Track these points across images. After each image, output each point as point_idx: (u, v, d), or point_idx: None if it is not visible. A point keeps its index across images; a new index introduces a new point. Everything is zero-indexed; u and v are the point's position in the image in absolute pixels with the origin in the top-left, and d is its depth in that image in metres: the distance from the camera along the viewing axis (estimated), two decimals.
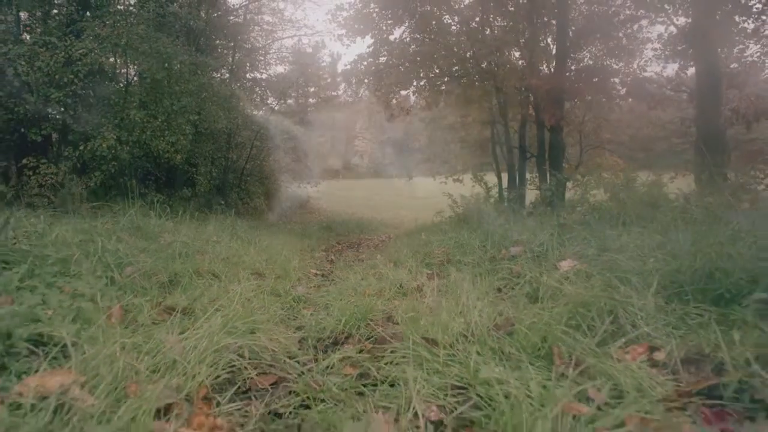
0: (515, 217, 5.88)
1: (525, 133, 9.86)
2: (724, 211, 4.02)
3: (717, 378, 1.38)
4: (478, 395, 1.35)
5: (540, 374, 1.43)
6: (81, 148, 8.01)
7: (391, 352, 1.70)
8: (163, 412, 1.22)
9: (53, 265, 2.38)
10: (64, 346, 1.43)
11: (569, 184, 8.30)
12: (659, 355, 1.58)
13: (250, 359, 1.66)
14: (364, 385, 1.51)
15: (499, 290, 2.62)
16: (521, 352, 1.59)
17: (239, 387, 1.51)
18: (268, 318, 2.15)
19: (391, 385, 1.48)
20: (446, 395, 1.38)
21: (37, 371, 1.28)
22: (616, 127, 9.58)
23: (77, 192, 7.43)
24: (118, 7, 9.64)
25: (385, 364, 1.65)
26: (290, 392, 1.48)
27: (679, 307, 1.96)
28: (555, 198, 7.42)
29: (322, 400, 1.41)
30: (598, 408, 1.26)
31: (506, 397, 1.30)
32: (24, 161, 7.96)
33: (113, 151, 8.07)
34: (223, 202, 10.06)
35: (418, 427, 1.22)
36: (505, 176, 10.12)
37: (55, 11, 9.32)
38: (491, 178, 10.15)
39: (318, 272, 4.02)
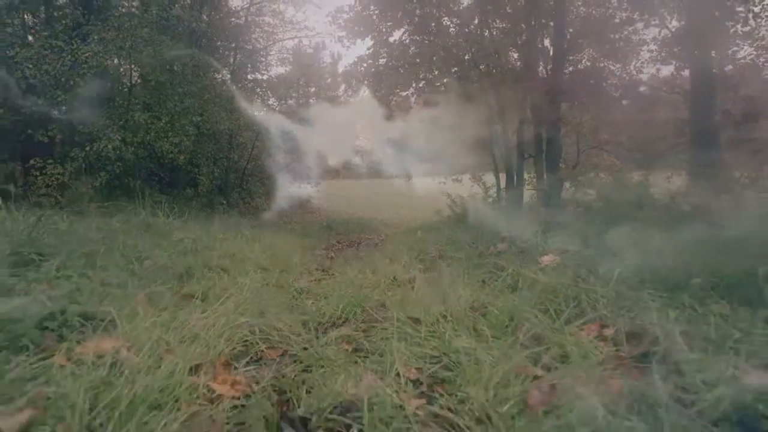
0: (509, 216, 6.19)
1: (523, 133, 10.16)
2: (704, 210, 4.35)
3: (649, 347, 1.69)
4: (450, 361, 1.67)
5: (503, 345, 1.75)
6: (87, 148, 8.34)
7: (382, 329, 2.02)
8: (194, 370, 1.53)
9: (81, 258, 2.71)
10: (109, 321, 1.75)
11: (566, 184, 8.62)
12: (608, 331, 1.90)
13: (260, 336, 1.98)
14: (358, 356, 1.82)
15: (483, 282, 2.93)
16: (491, 329, 1.91)
17: (252, 357, 1.82)
18: (274, 304, 2.47)
19: (380, 356, 1.79)
20: (425, 362, 1.70)
21: (91, 339, 1.60)
22: (614, 128, 9.86)
23: (84, 192, 7.77)
24: (121, 10, 10.00)
25: (376, 340, 1.97)
26: (295, 361, 1.80)
27: (636, 293, 2.27)
28: (551, 197, 7.73)
29: (322, 366, 1.72)
30: (548, 369, 1.58)
31: (475, 363, 1.61)
32: (31, 162, 8.30)
33: (118, 152, 8.42)
34: (224, 202, 10.39)
35: (399, 384, 1.53)
36: (503, 176, 10.42)
37: (59, 13, 9.67)
38: (490, 179, 10.48)
39: (319, 268, 4.34)
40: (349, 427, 1.26)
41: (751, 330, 1.70)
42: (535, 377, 1.49)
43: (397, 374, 1.58)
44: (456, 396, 1.45)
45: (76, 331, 1.71)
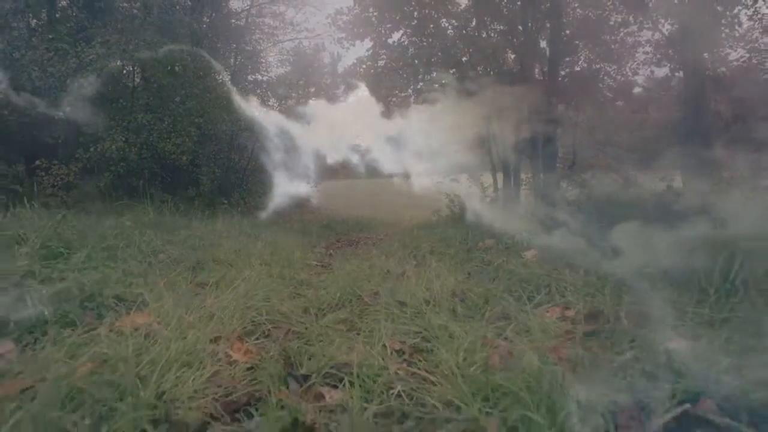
0: (504, 214, 6.52)
1: (520, 134, 10.47)
2: (687, 209, 4.70)
3: (600, 325, 2.03)
4: (429, 335, 2.00)
5: (475, 323, 2.08)
6: (91, 149, 8.70)
7: (374, 312, 2.35)
8: (213, 341, 1.87)
9: (102, 251, 3.05)
10: (139, 302, 2.09)
11: (563, 184, 8.96)
12: (569, 313, 2.23)
13: (267, 317, 2.31)
14: (352, 333, 2.16)
15: (469, 274, 3.26)
16: (467, 311, 2.24)
17: (260, 334, 2.16)
18: (278, 293, 2.80)
19: (371, 332, 2.13)
20: (408, 336, 2.03)
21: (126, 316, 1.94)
22: (610, 129, 10.18)
23: (90, 192, 8.12)
24: (124, 13, 10.37)
25: (368, 321, 2.30)
26: (298, 337, 2.13)
27: (601, 281, 2.61)
28: (546, 196, 8.07)
29: (321, 341, 2.06)
30: (510, 341, 1.91)
31: (449, 336, 1.95)
32: (37, 162, 8.67)
33: (122, 153, 8.77)
34: (225, 202, 10.72)
35: (385, 352, 1.86)
36: (501, 176, 10.74)
37: (61, 14, 10.05)
38: (488, 178, 10.82)
39: (318, 263, 4.67)
40: (341, 379, 1.59)
41: (685, 309, 2.03)
42: (498, 346, 1.82)
43: (384, 346, 1.91)
44: (432, 361, 1.78)
45: (111, 310, 2.05)
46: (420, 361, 1.81)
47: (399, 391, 1.55)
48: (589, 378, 1.44)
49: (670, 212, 4.58)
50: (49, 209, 6.26)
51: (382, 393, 1.55)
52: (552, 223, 5.04)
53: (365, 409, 1.46)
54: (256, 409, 1.47)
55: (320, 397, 1.56)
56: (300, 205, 13.85)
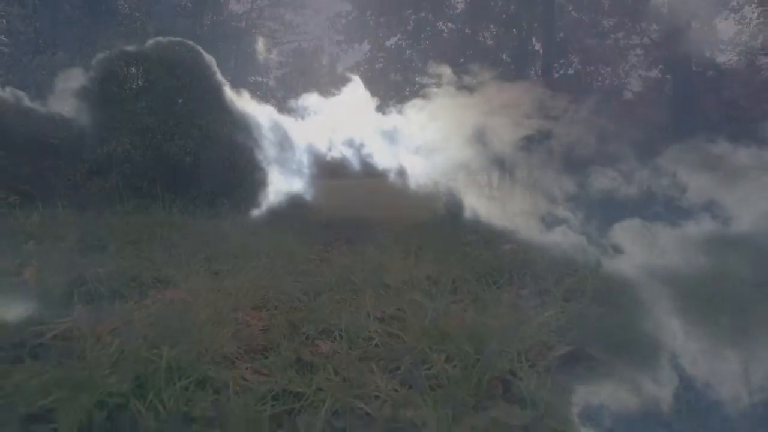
0: (496, 211, 7.11)
1: (517, 133, 11.03)
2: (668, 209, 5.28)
3: (544, 299, 2.62)
4: (405, 307, 2.59)
5: (444, 299, 2.67)
6: (97, 151, 9.32)
7: (362, 291, 2.94)
8: (233, 310, 2.46)
9: (130, 244, 3.66)
10: (173, 282, 2.69)
11: (556, 182, 9.50)
12: (523, 291, 2.82)
13: (273, 296, 2.91)
14: (343, 307, 2.75)
15: (448, 264, 3.84)
16: (437, 289, 2.83)
17: (269, 307, 2.75)
18: (282, 280, 3.40)
19: (358, 306, 2.72)
20: (388, 308, 2.62)
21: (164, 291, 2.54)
22: (605, 128, 10.72)
23: (97, 193, 8.74)
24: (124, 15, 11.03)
25: (358, 298, 2.90)
26: (299, 310, 2.72)
27: (555, 267, 3.19)
28: (539, 194, 8.64)
29: (318, 312, 2.65)
30: (467, 311, 2.50)
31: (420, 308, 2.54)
32: (45, 164, 9.30)
33: (127, 154, 9.39)
34: (226, 202, 11.32)
35: (369, 319, 2.45)
36: (497, 175, 11.31)
37: (65, 19, 10.72)
38: (485, 178, 11.38)
39: (317, 257, 5.25)
40: (333, 333, 2.19)
41: (611, 287, 2.62)
42: (457, 314, 2.41)
43: (368, 314, 2.51)
44: (404, 324, 2.37)
45: (151, 288, 2.65)
46: (396, 324, 2.40)
47: (376, 342, 2.14)
48: (517, 331, 2.03)
49: (649, 208, 5.16)
50: (58, 209, 6.89)
51: (364, 344, 2.14)
52: (539, 219, 5.62)
53: (350, 353, 2.05)
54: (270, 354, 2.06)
55: (317, 346, 2.15)
56: (301, 205, 14.42)
